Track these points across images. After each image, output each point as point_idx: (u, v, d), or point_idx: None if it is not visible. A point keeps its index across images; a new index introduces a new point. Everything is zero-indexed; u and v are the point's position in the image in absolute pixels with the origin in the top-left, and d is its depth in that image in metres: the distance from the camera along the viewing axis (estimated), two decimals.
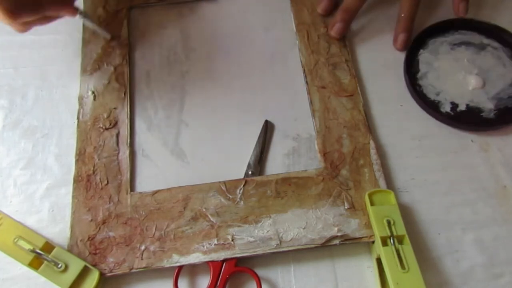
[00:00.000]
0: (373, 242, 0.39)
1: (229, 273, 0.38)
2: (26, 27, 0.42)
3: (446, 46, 0.49)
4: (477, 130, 0.44)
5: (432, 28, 0.49)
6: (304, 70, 0.47)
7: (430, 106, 0.45)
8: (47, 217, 0.42)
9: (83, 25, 0.50)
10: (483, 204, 0.41)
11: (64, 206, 0.42)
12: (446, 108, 0.45)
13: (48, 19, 0.42)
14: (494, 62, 0.47)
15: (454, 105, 0.45)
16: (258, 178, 0.42)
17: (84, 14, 0.45)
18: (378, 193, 0.40)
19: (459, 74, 0.47)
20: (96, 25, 0.47)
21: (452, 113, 0.45)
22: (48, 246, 0.39)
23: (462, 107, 0.45)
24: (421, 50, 0.48)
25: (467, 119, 0.44)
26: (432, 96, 0.46)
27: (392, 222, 0.38)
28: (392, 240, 0.37)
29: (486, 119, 0.44)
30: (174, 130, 0.46)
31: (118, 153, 0.43)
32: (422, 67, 0.47)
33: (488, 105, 0.45)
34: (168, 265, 0.38)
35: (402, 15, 0.48)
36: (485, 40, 0.49)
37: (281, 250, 0.38)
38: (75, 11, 0.43)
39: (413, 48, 0.48)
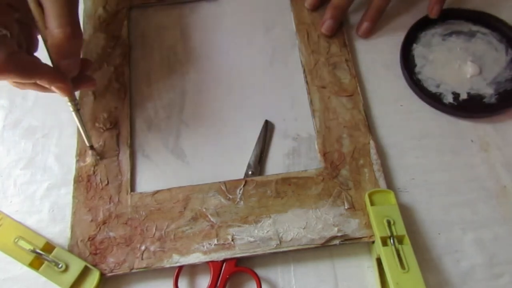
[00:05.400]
0: (373, 242, 0.39)
1: (229, 273, 0.38)
2: (19, 86, 0.39)
3: (437, 38, 0.49)
4: (482, 117, 0.45)
5: (421, 22, 0.49)
6: (304, 70, 0.47)
7: (433, 99, 0.45)
8: (47, 217, 0.42)
9: (83, 25, 0.50)
10: (483, 204, 0.41)
11: (64, 206, 0.42)
12: (449, 98, 0.45)
13: (40, 87, 0.38)
14: (485, 47, 0.48)
15: (456, 95, 0.46)
16: (258, 178, 0.42)
17: (76, 105, 0.40)
18: (378, 193, 0.40)
19: (454, 63, 0.47)
20: (83, 126, 0.41)
21: (455, 103, 0.45)
22: (49, 246, 0.39)
23: (463, 95, 0.46)
24: (414, 45, 0.49)
25: (470, 107, 0.45)
26: (433, 89, 0.46)
27: (392, 222, 0.38)
28: (392, 240, 0.37)
29: (489, 105, 0.45)
30: (174, 130, 0.46)
31: (118, 153, 0.44)
32: (418, 61, 0.48)
33: (488, 91, 0.46)
34: (168, 265, 0.38)
35: (372, 5, 0.49)
36: (473, 27, 0.49)
37: (281, 250, 0.38)
38: (68, 91, 0.38)
39: (406, 43, 0.48)
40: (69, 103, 0.39)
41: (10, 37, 0.35)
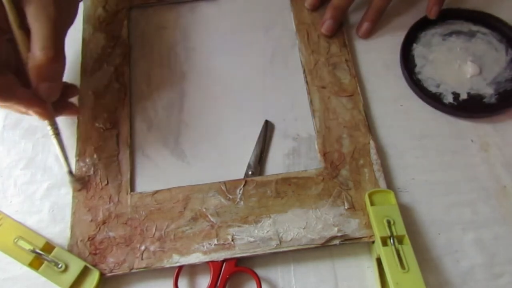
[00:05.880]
0: (373, 242, 0.39)
1: (229, 273, 0.38)
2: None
3: (437, 38, 0.49)
4: (482, 117, 0.45)
5: (421, 22, 0.49)
6: (304, 70, 0.47)
7: (433, 99, 0.45)
8: (47, 217, 0.42)
9: (83, 25, 0.50)
10: (483, 204, 0.41)
11: (64, 206, 0.42)
12: (449, 98, 0.45)
13: (17, 110, 0.38)
14: (485, 47, 0.48)
15: (456, 95, 0.46)
16: (258, 178, 0.42)
17: (56, 130, 0.39)
18: (378, 193, 0.40)
19: (454, 63, 0.47)
20: (62, 151, 0.40)
21: (456, 103, 0.45)
22: (48, 246, 0.39)
23: (463, 96, 0.46)
24: (414, 45, 0.49)
25: (470, 107, 0.45)
26: (433, 89, 0.46)
27: (392, 222, 0.38)
28: (392, 240, 0.37)
29: (489, 105, 0.45)
30: (174, 130, 0.46)
31: (118, 153, 0.44)
32: (418, 61, 0.48)
33: (488, 91, 0.46)
34: (168, 265, 0.38)
35: (372, 6, 0.49)
36: (473, 27, 0.49)
37: (281, 250, 0.38)
38: (46, 116, 0.38)
39: (406, 43, 0.48)
40: (48, 127, 0.39)
41: None
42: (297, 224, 0.39)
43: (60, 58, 0.36)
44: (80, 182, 0.42)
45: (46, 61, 0.35)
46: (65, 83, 0.40)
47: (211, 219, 0.40)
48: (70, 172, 0.41)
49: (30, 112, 0.37)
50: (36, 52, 0.35)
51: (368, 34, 0.49)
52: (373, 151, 0.43)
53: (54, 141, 0.40)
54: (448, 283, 0.38)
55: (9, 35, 0.36)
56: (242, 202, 0.41)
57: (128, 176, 0.42)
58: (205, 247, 0.39)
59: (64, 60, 0.37)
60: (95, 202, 0.41)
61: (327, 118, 0.45)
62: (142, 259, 0.38)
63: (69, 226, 0.40)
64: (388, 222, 0.38)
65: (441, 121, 0.45)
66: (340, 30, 0.49)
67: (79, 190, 0.42)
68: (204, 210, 0.40)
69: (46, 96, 0.37)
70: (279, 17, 0.52)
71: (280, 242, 0.39)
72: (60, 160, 0.41)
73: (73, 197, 0.41)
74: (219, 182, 0.42)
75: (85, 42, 0.49)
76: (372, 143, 0.43)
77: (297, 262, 0.40)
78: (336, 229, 0.39)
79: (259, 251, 0.38)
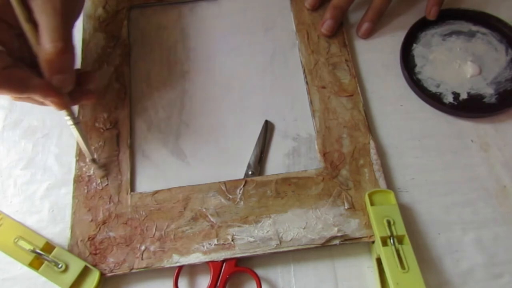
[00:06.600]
0: (373, 242, 0.39)
1: (229, 273, 0.38)
2: (16, 99, 0.39)
3: (437, 38, 0.49)
4: (482, 117, 0.45)
5: (421, 22, 0.49)
6: (304, 70, 0.47)
7: (433, 99, 0.45)
8: (47, 217, 0.42)
9: (83, 25, 0.50)
10: (483, 204, 0.41)
11: (64, 206, 0.42)
12: (449, 98, 0.46)
13: (36, 101, 0.38)
14: (485, 47, 0.48)
15: (456, 95, 0.46)
16: (258, 178, 0.42)
17: (75, 119, 0.39)
18: (378, 193, 0.40)
19: (454, 63, 0.48)
20: (84, 140, 0.40)
21: (456, 103, 0.45)
22: (49, 246, 0.39)
23: (463, 95, 0.46)
24: (414, 45, 0.49)
25: (470, 107, 0.45)
26: (433, 88, 0.46)
27: (392, 222, 0.38)
28: (392, 240, 0.37)
29: (489, 105, 0.45)
30: (174, 130, 0.46)
31: (118, 153, 0.44)
32: (418, 61, 0.48)
33: (488, 91, 0.46)
34: (168, 265, 0.38)
35: (372, 6, 0.49)
36: (473, 27, 0.50)
37: (281, 250, 0.38)
38: (62, 105, 0.38)
39: (406, 43, 0.48)
40: (66, 117, 0.39)
41: (6, 52, 0.35)
42: (297, 224, 0.39)
43: (70, 49, 0.36)
44: (104, 168, 0.42)
45: (56, 54, 0.35)
46: (81, 70, 0.40)
47: (211, 219, 0.40)
48: (94, 160, 0.42)
49: (47, 102, 0.37)
50: (45, 45, 0.35)
51: (368, 34, 0.50)
52: (373, 151, 0.43)
53: (74, 130, 0.40)
54: (448, 283, 0.38)
55: (18, 30, 0.37)
56: (242, 202, 0.41)
57: (128, 176, 0.42)
58: (205, 247, 0.39)
59: (73, 51, 0.37)
60: (95, 202, 0.41)
61: (327, 118, 0.45)
62: (142, 259, 0.38)
63: (69, 226, 0.40)
64: (388, 222, 0.38)
65: (441, 121, 0.45)
66: (340, 30, 0.49)
67: (103, 176, 0.42)
68: (204, 210, 0.40)
69: (60, 88, 0.37)
70: (279, 17, 0.52)
71: (280, 242, 0.39)
72: (83, 149, 0.41)
73: (73, 197, 0.41)
74: (219, 182, 0.42)
75: (85, 42, 0.49)
76: (372, 143, 0.43)
77: (297, 262, 0.40)
78: (336, 229, 0.39)
79: (259, 251, 0.38)
